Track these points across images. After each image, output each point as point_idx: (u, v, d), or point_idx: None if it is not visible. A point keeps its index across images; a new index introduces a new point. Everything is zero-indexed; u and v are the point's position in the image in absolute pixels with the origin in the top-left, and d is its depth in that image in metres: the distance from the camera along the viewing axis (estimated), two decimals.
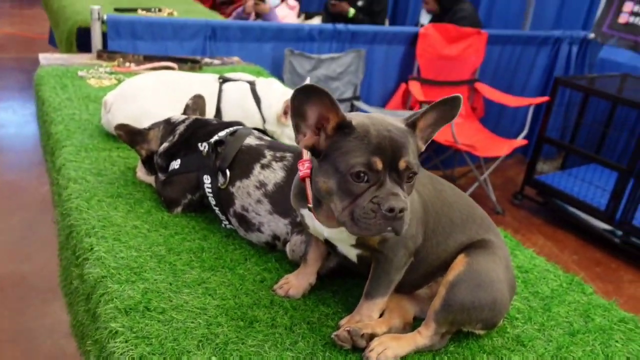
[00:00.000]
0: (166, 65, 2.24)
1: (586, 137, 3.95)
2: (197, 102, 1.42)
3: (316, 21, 5.07)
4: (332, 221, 0.85)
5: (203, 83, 1.66)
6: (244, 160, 1.15)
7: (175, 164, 1.23)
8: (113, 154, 1.49)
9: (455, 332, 0.93)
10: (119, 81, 2.06)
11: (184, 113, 1.39)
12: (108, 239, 1.10)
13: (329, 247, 0.96)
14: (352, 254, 0.93)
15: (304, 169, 0.88)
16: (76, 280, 1.08)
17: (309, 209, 0.89)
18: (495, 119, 4.07)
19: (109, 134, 1.59)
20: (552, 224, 3.59)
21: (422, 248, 0.93)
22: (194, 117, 1.32)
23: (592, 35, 4.22)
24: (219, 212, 1.19)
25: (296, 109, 0.79)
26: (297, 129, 0.80)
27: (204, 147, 1.18)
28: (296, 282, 1.02)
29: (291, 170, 1.11)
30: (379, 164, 0.76)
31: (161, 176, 1.28)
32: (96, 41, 2.48)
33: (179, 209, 1.23)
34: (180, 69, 2.23)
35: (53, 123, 1.65)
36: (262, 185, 1.12)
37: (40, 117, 1.87)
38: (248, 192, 1.12)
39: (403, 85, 3.48)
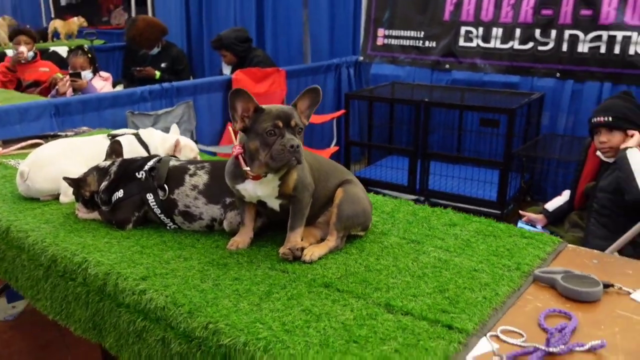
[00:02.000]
0: (34, 142, 2.52)
1: (379, 135, 4.95)
2: (115, 148, 1.83)
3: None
4: (261, 168, 1.36)
5: (97, 142, 2.05)
6: (174, 176, 1.62)
7: (119, 194, 1.64)
8: (45, 209, 1.81)
9: (348, 236, 1.52)
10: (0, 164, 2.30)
11: (106, 159, 1.79)
12: (92, 252, 1.47)
13: (260, 206, 1.49)
14: (276, 204, 1.46)
15: (237, 150, 1.40)
16: (78, 287, 1.44)
17: (245, 176, 1.40)
18: (309, 136, 4.87)
19: (30, 198, 1.89)
20: None
21: (315, 191, 1.50)
22: (119, 159, 1.74)
23: (361, 58, 5.29)
24: (164, 218, 1.63)
25: (230, 104, 1.32)
26: (233, 119, 1.34)
27: (141, 174, 1.62)
28: (241, 239, 1.52)
29: (212, 173, 1.61)
30: (280, 123, 1.32)
31: (106, 208, 1.67)
32: None
33: (130, 225, 1.64)
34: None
35: None
36: (195, 187, 1.60)
37: None
38: (186, 194, 1.59)
39: (229, 125, 4.07)
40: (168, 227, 1.64)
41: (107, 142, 2.06)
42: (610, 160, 2.47)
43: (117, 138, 2.08)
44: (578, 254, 1.49)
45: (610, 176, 2.44)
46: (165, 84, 3.76)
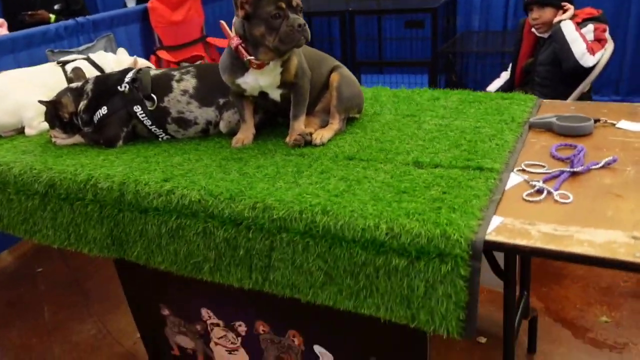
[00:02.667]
0: None
1: None
2: (78, 73, 1.72)
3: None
4: (268, 54, 1.35)
5: (49, 70, 1.90)
6: (160, 84, 1.56)
7: (102, 111, 1.55)
8: (15, 142, 1.68)
9: (347, 119, 1.56)
10: None
11: (69, 84, 1.68)
12: (95, 169, 1.41)
13: (261, 98, 1.48)
14: (277, 94, 1.46)
15: (235, 42, 1.37)
16: (89, 205, 1.38)
17: (248, 66, 1.38)
18: None
19: None
20: None
21: (311, 78, 1.51)
22: (93, 77, 1.64)
23: None
24: (155, 129, 1.57)
25: None
26: (236, 7, 1.30)
27: (124, 87, 1.54)
28: (244, 136, 1.51)
29: (199, 76, 1.57)
30: (282, 5, 1.30)
31: (88, 128, 1.58)
32: None
33: (120, 142, 1.57)
34: None
35: None
36: (185, 92, 1.55)
37: None
38: (177, 100, 1.54)
39: (152, 57, 3.86)
40: (160, 139, 1.60)
41: (59, 70, 1.93)
42: (545, 35, 2.66)
43: (69, 65, 1.95)
44: (555, 106, 1.63)
45: (547, 50, 2.63)
46: (80, 19, 3.48)
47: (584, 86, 2.51)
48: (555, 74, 2.57)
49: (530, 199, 1.08)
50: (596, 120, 1.41)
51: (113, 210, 1.36)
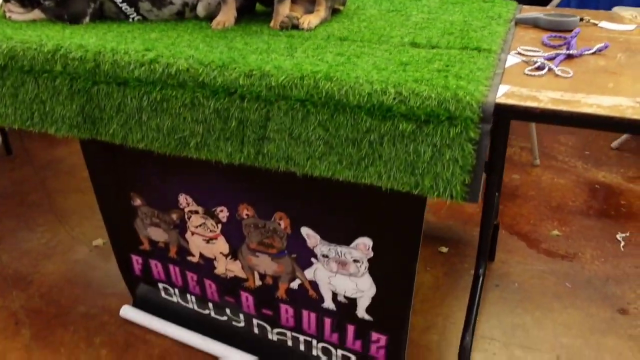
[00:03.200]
0: None
1: None
2: None
3: None
4: None
5: None
6: None
7: None
8: None
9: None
10: None
11: None
12: (63, 39, 1.29)
13: None
14: None
15: None
16: (58, 79, 1.26)
17: None
18: None
19: None
20: None
21: None
22: None
23: None
24: (126, 7, 1.45)
25: None
26: None
27: None
28: (225, 18, 1.42)
29: None
30: None
31: (49, 2, 1.44)
32: None
33: (87, 18, 1.44)
34: None
35: None
36: None
37: None
38: None
39: None
40: (131, 19, 1.48)
41: None
42: None
43: None
44: (536, 9, 1.64)
45: None
46: None
47: None
48: None
49: (533, 73, 1.08)
50: (581, 19, 1.43)
51: (86, 83, 1.25)
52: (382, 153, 1.03)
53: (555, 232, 2.22)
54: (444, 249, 2.10)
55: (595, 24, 1.44)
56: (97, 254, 2.07)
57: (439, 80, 1.02)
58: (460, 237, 2.11)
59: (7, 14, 1.48)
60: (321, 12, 1.45)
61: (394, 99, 1.00)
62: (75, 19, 1.44)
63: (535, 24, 1.43)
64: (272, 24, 1.40)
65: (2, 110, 1.37)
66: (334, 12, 1.53)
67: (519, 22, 1.45)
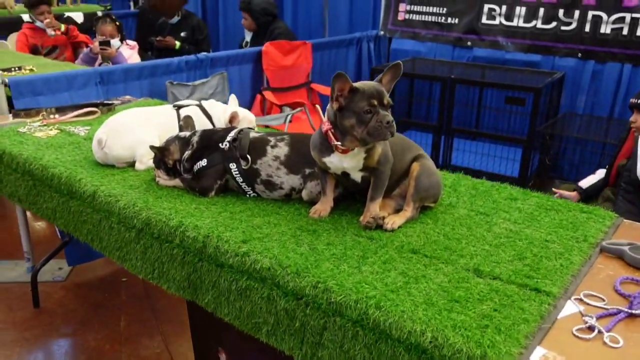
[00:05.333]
0: (89, 110, 2.60)
1: (398, 109, 5.04)
2: (188, 122, 1.92)
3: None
4: (354, 142, 1.47)
5: (166, 113, 2.14)
6: (256, 147, 1.72)
7: (202, 163, 1.74)
8: (126, 175, 1.91)
9: (421, 207, 1.64)
10: (61, 130, 2.38)
11: (181, 130, 1.89)
12: (187, 217, 1.58)
13: (343, 177, 1.59)
14: (359, 176, 1.57)
15: (326, 126, 1.50)
16: (175, 249, 1.55)
17: (334, 150, 1.50)
18: None
19: (106, 165, 1.98)
20: None
21: (392, 164, 1.61)
22: (200, 130, 1.83)
23: (382, 33, 5.34)
24: (245, 186, 1.73)
25: (331, 87, 1.42)
26: (331, 99, 1.44)
27: (225, 145, 1.72)
28: (322, 207, 1.63)
29: (292, 145, 1.71)
30: (374, 102, 1.42)
31: (188, 175, 1.77)
32: (2, 104, 2.69)
33: (213, 193, 1.75)
34: (101, 111, 2.61)
35: (46, 167, 1.98)
36: (276, 158, 1.70)
37: (12, 172, 2.14)
38: (269, 165, 1.69)
39: (258, 96, 4.14)
40: (248, 195, 1.75)
41: (174, 112, 2.15)
42: None
43: (183, 109, 2.17)
44: (635, 228, 1.61)
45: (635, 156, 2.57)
46: (201, 55, 3.82)
47: None
48: (637, 182, 2.49)
49: (580, 335, 1.10)
50: None
51: (194, 257, 1.51)
52: None
53: None
54: None
55: None
56: None
57: (477, 331, 1.09)
58: None
59: (157, 179, 1.84)
60: (408, 212, 1.59)
61: (430, 342, 1.08)
62: (203, 192, 1.74)
63: (620, 256, 1.41)
64: (361, 218, 1.57)
65: (134, 261, 1.70)
66: (425, 208, 1.66)
67: (604, 251, 1.45)
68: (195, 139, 1.79)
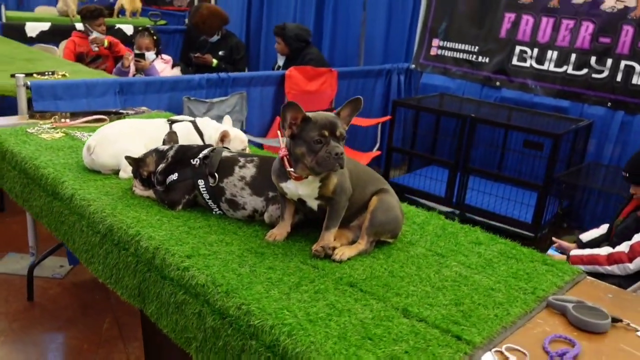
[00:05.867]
0: (98, 117, 2.72)
1: (422, 144, 5.02)
2: (172, 137, 1.99)
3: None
4: (305, 171, 1.49)
5: (158, 126, 2.22)
6: (226, 166, 1.76)
7: (173, 177, 1.79)
8: (106, 182, 1.99)
9: (377, 241, 1.63)
10: (67, 134, 2.50)
11: (164, 144, 1.95)
12: (145, 227, 1.63)
13: (300, 204, 1.61)
14: (315, 204, 1.58)
15: (282, 152, 1.53)
16: (130, 257, 1.60)
17: (288, 176, 1.52)
18: (352, 138, 4.97)
19: (93, 171, 2.07)
20: None
21: (352, 196, 1.61)
22: (177, 145, 1.90)
23: (413, 66, 5.35)
24: (211, 203, 1.77)
25: (282, 115, 1.45)
26: (282, 127, 1.47)
27: (196, 161, 1.77)
28: (278, 232, 1.65)
29: (259, 167, 1.75)
30: (326, 133, 1.44)
31: (160, 188, 1.83)
32: (22, 105, 2.85)
33: (180, 206, 1.79)
34: (110, 119, 2.73)
35: (38, 167, 2.08)
36: (242, 178, 1.73)
37: (11, 169, 2.26)
38: (234, 184, 1.73)
39: (278, 118, 4.21)
40: (214, 212, 1.79)
41: (167, 127, 2.23)
42: None
43: (176, 124, 2.25)
44: (595, 287, 1.56)
45: (629, 219, 2.48)
46: (223, 74, 3.93)
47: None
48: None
49: None
50: (617, 320, 1.34)
51: (144, 267, 1.56)
52: None
53: None
54: None
55: (636, 330, 1.33)
56: None
57: None
58: None
59: (133, 188, 1.91)
60: (361, 245, 1.59)
61: None
62: (171, 206, 1.79)
63: (563, 313, 1.37)
64: (314, 246, 1.58)
65: (97, 265, 1.76)
66: (383, 243, 1.66)
67: (550, 306, 1.40)
68: (171, 153, 1.85)
